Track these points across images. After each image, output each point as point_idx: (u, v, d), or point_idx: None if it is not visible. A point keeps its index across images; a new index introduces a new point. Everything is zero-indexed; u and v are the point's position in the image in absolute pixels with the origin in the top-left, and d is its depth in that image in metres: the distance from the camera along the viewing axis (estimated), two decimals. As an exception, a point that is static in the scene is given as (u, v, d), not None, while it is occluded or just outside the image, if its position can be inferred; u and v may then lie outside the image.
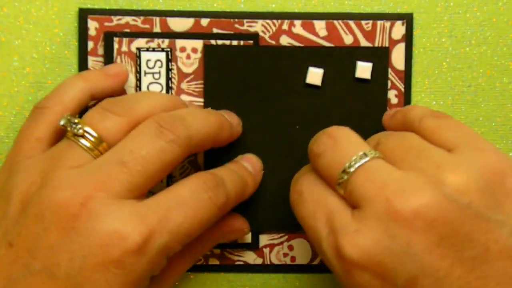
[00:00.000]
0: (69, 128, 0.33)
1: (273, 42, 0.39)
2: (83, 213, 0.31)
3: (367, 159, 0.31)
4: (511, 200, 0.30)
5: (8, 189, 0.33)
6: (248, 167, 0.37)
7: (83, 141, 0.33)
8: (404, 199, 0.29)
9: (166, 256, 0.32)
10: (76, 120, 0.33)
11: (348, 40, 0.39)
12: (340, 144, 0.32)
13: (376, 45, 0.39)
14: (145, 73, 0.39)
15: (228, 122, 0.37)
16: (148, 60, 0.39)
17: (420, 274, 0.29)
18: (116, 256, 0.30)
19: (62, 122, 0.34)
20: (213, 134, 0.35)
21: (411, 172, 0.30)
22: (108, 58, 0.39)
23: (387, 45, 0.39)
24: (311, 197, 0.33)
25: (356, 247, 0.30)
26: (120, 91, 0.38)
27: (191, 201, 0.32)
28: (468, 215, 0.29)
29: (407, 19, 0.39)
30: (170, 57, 0.39)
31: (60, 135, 0.35)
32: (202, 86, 0.39)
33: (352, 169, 0.31)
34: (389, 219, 0.29)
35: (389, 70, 0.39)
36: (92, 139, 0.33)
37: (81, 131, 0.33)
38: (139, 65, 0.39)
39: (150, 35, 0.39)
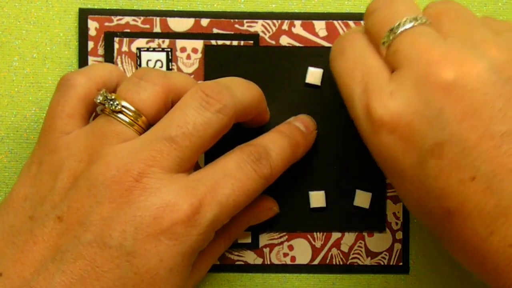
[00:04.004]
0: (106, 105, 0.33)
1: (273, 42, 0.39)
2: (137, 188, 0.31)
3: (416, 23, 0.31)
4: None
5: (53, 166, 0.33)
6: (300, 127, 0.37)
7: (122, 116, 0.33)
8: (446, 65, 0.29)
9: (215, 228, 0.33)
10: (113, 96, 0.33)
11: (348, 40, 0.39)
12: (395, 4, 0.32)
13: (376, 45, 0.39)
14: (145, 73, 0.39)
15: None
16: (148, 60, 0.39)
17: (448, 141, 0.29)
18: (166, 226, 0.31)
19: (99, 99, 0.34)
20: (256, 103, 0.35)
21: (456, 41, 0.30)
22: (109, 58, 0.39)
23: (387, 45, 0.39)
24: (351, 54, 0.33)
25: (387, 107, 0.30)
26: None
27: (237, 173, 0.33)
28: (505, 91, 0.29)
29: (407, 19, 0.39)
30: (170, 57, 0.39)
31: (91, 107, 0.35)
32: (202, 86, 0.39)
33: (399, 30, 0.31)
34: (427, 82, 0.29)
35: (389, 70, 0.39)
36: (131, 113, 0.33)
37: (118, 107, 0.33)
38: (140, 65, 0.39)
39: (151, 35, 0.39)
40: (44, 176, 0.33)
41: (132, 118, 0.33)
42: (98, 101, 0.34)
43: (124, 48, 0.39)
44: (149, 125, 0.34)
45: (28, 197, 0.33)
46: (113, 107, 0.33)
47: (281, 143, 0.36)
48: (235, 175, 0.33)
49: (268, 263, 0.40)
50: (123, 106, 0.33)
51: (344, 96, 0.33)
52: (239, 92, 0.34)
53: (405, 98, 0.30)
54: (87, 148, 0.33)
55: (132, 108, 0.33)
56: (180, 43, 0.39)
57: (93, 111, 0.36)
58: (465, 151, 0.29)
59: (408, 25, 0.31)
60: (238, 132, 0.37)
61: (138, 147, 0.32)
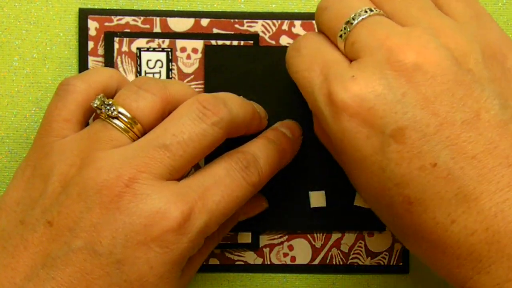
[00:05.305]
0: (103, 110, 0.33)
1: (273, 42, 0.39)
2: (127, 194, 0.31)
3: (371, 13, 0.31)
4: (506, 78, 0.30)
5: (45, 169, 0.33)
6: (286, 133, 0.37)
7: (117, 122, 0.33)
8: (407, 51, 0.29)
9: (205, 235, 0.33)
10: (110, 102, 0.33)
11: (348, 40, 0.39)
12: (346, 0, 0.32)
13: (376, 45, 0.39)
14: (146, 73, 0.39)
15: (257, 112, 0.37)
16: (148, 60, 0.39)
17: (409, 126, 0.29)
18: (157, 234, 0.31)
19: (95, 104, 0.34)
20: (248, 120, 0.36)
21: (414, 29, 0.30)
22: (109, 58, 0.39)
23: (387, 45, 0.39)
24: (309, 51, 0.33)
25: (349, 91, 0.30)
26: None
27: (226, 179, 0.33)
28: (465, 81, 0.29)
29: (407, 19, 0.39)
30: (170, 57, 0.39)
31: (88, 113, 0.35)
32: (202, 86, 0.39)
33: (356, 21, 0.31)
34: (388, 68, 0.29)
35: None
36: (126, 120, 0.33)
37: (115, 112, 0.33)
38: (140, 65, 0.39)
39: (151, 35, 0.39)
40: (36, 180, 0.33)
41: (127, 125, 0.33)
42: (95, 105, 0.34)
43: (124, 48, 0.39)
44: (144, 133, 0.33)
45: (20, 201, 0.33)
46: (110, 112, 0.33)
47: (268, 150, 0.36)
48: (225, 182, 0.33)
49: (268, 263, 0.40)
50: (119, 112, 0.33)
51: (304, 90, 0.32)
52: (234, 108, 0.34)
53: (367, 82, 0.30)
54: (80, 152, 0.33)
55: (128, 115, 0.33)
56: (180, 43, 0.39)
57: (90, 117, 0.36)
58: (426, 137, 0.29)
59: (363, 16, 0.31)
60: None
61: (131, 153, 0.32)
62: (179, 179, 0.33)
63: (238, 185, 0.33)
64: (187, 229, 0.32)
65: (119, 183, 0.31)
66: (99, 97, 0.34)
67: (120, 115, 0.33)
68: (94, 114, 0.36)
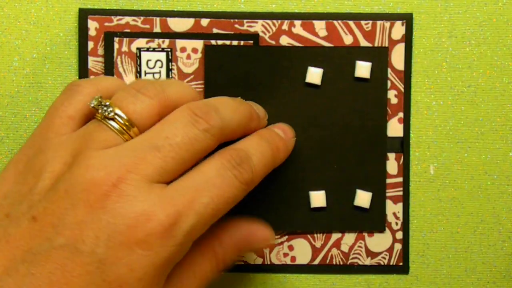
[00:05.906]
0: (100, 110, 0.33)
1: (273, 42, 0.39)
2: (114, 194, 0.31)
3: None
4: None
5: (38, 165, 0.33)
6: (279, 133, 0.37)
7: (113, 123, 0.33)
8: None
9: (192, 239, 0.32)
10: (107, 103, 0.33)
11: (347, 40, 0.39)
12: None
13: (375, 45, 0.39)
14: (146, 73, 0.39)
15: (256, 112, 0.37)
16: (148, 60, 0.39)
17: None
18: (141, 236, 0.31)
19: (92, 104, 0.34)
20: (244, 124, 0.35)
21: None
22: (108, 58, 0.39)
23: (386, 45, 0.39)
24: None
25: None
26: None
27: (217, 180, 0.33)
28: None
29: (407, 19, 0.39)
30: (170, 57, 0.39)
31: (92, 115, 0.35)
32: (202, 86, 0.39)
33: None
34: None
35: (389, 70, 0.39)
36: (123, 122, 0.33)
37: (111, 114, 0.33)
38: (140, 65, 0.39)
39: (151, 35, 0.39)
40: (28, 175, 0.33)
41: (122, 127, 0.33)
42: (92, 105, 0.33)
43: (124, 48, 0.39)
44: None
45: (8, 194, 0.33)
46: (106, 113, 0.33)
47: (262, 147, 0.35)
48: (215, 183, 0.33)
49: (268, 263, 0.40)
50: (116, 114, 0.33)
51: None
52: (227, 115, 0.34)
53: None
54: (73, 150, 0.32)
55: (125, 117, 0.33)
56: (180, 43, 0.39)
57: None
58: None
59: None
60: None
61: (122, 153, 0.32)
62: (169, 182, 0.33)
63: (230, 185, 0.33)
64: (173, 232, 0.31)
65: (107, 182, 0.31)
66: (96, 97, 0.34)
67: (116, 116, 0.33)
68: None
